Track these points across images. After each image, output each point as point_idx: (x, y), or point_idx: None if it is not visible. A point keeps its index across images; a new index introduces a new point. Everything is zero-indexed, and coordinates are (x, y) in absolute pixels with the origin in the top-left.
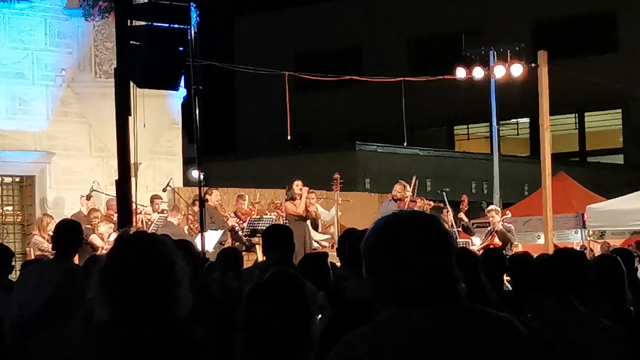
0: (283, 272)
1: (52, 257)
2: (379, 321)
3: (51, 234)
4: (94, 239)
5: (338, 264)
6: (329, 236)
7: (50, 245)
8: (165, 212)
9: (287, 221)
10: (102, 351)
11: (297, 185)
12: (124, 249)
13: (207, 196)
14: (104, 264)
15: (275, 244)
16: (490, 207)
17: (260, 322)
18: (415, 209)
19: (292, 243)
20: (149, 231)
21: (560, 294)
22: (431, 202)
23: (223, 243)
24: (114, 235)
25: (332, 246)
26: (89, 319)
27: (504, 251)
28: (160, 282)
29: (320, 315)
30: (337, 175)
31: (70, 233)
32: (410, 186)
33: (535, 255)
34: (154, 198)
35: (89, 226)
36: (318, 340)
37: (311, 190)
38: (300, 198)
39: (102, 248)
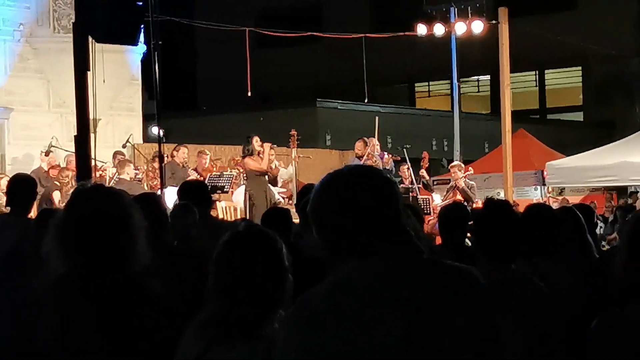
0: (258, 227)
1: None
2: (336, 276)
3: (4, 189)
4: (55, 195)
5: (296, 220)
6: (285, 189)
7: (4, 200)
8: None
9: (246, 177)
10: (58, 304)
11: (257, 141)
12: (81, 201)
13: (174, 152)
14: (60, 216)
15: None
16: (453, 163)
17: (234, 273)
18: (384, 160)
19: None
20: None
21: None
22: (397, 157)
23: None
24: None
25: (290, 199)
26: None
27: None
28: (116, 235)
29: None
30: (294, 132)
31: (23, 187)
32: (369, 140)
33: None
34: (116, 154)
35: (56, 183)
36: (290, 296)
37: (272, 146)
38: (260, 154)
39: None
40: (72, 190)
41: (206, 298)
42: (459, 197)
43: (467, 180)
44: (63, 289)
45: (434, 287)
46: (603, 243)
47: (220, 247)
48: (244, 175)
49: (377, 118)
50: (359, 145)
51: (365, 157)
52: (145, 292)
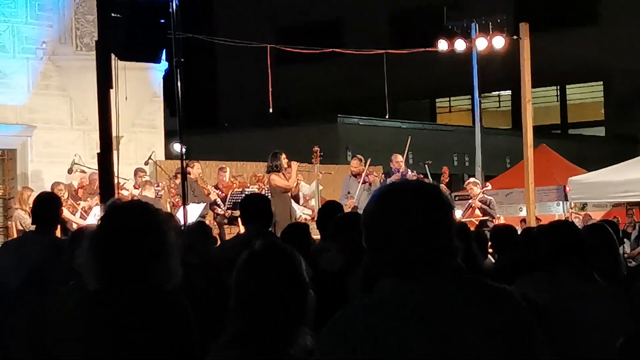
0: (276, 243)
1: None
2: (375, 294)
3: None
4: (65, 212)
5: (318, 236)
6: (310, 211)
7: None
8: (139, 188)
9: (270, 193)
10: (93, 320)
11: (284, 158)
12: (116, 216)
13: (189, 169)
14: (95, 230)
15: (255, 215)
16: (469, 180)
17: (255, 293)
18: (409, 178)
19: (271, 213)
20: None
21: (555, 267)
22: (421, 175)
23: (204, 216)
24: (97, 209)
25: (313, 219)
26: (80, 288)
27: (486, 226)
28: (150, 251)
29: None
30: (317, 148)
31: (47, 206)
32: (396, 159)
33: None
34: (137, 171)
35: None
36: (312, 313)
37: (300, 164)
38: (288, 171)
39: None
40: (96, 209)
41: (228, 318)
42: (477, 213)
43: (485, 196)
44: (95, 303)
45: (470, 312)
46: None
47: (239, 266)
48: (268, 192)
49: (409, 137)
50: (354, 162)
51: (363, 175)
52: (178, 308)
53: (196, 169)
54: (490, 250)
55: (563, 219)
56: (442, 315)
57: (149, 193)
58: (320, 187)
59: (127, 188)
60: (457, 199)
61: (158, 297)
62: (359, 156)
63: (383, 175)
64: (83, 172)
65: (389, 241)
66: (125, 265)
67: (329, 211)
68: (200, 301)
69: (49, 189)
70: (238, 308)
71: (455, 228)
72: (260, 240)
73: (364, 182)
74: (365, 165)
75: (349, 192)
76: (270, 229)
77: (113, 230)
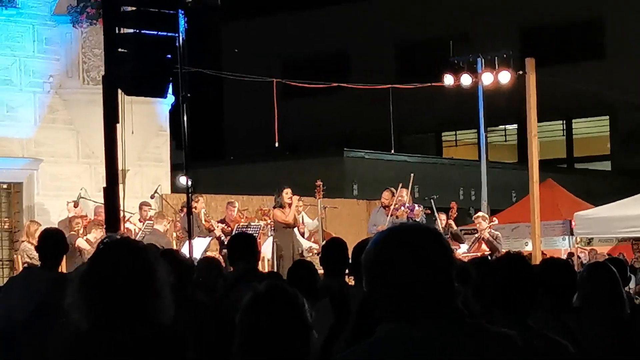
0: (279, 285)
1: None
2: (376, 336)
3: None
4: (81, 243)
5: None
6: (317, 245)
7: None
8: (151, 219)
9: (274, 228)
10: None
11: (287, 193)
12: (105, 256)
13: (194, 203)
14: (85, 270)
15: (239, 255)
16: (478, 214)
17: (259, 335)
18: (415, 213)
19: (255, 252)
20: (137, 239)
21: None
22: (428, 210)
23: (207, 251)
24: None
25: (318, 254)
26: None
27: (490, 258)
28: (140, 291)
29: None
30: (319, 183)
31: (53, 242)
32: (398, 191)
33: None
34: (142, 205)
35: (73, 233)
36: (317, 354)
37: (300, 199)
38: (289, 207)
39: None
40: (96, 243)
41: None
42: (484, 247)
43: (492, 230)
44: (86, 345)
45: (475, 355)
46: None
47: (243, 307)
48: (272, 226)
49: (413, 175)
50: (386, 194)
51: (393, 207)
52: (171, 345)
53: (200, 204)
54: None
55: (568, 253)
56: (445, 358)
57: (160, 227)
58: (323, 220)
59: (132, 222)
60: (463, 233)
61: (149, 336)
62: (391, 189)
63: (409, 209)
64: (78, 203)
65: (387, 286)
66: (115, 304)
67: (333, 248)
68: (206, 339)
69: (55, 222)
70: (242, 349)
71: (455, 270)
72: (266, 281)
73: (391, 215)
74: (396, 198)
75: (374, 225)
76: (257, 266)
77: (102, 270)
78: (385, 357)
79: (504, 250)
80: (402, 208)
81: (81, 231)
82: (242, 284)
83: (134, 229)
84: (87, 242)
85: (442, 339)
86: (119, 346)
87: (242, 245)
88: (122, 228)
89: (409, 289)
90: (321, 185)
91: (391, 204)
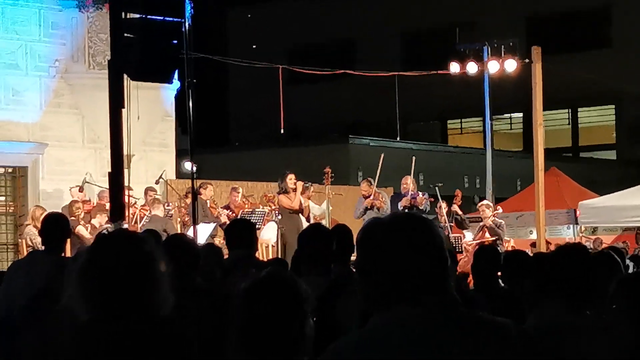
0: (278, 272)
1: (41, 250)
2: (367, 328)
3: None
4: (81, 230)
5: None
6: None
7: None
8: (146, 207)
9: (279, 214)
10: (85, 352)
11: (291, 179)
12: (103, 248)
13: (202, 190)
14: (82, 263)
15: (236, 242)
16: (482, 202)
17: (255, 323)
18: (418, 200)
19: (253, 239)
20: (139, 227)
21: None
22: (432, 198)
23: (214, 236)
24: (107, 227)
25: None
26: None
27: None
28: (138, 282)
29: (315, 318)
30: (328, 169)
31: (56, 226)
32: (406, 181)
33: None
34: (148, 190)
35: (73, 218)
36: (311, 342)
37: (305, 185)
38: (294, 192)
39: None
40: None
41: (228, 348)
42: (487, 235)
43: (496, 218)
44: (86, 336)
45: (465, 344)
46: None
47: (240, 295)
48: (277, 212)
49: (414, 158)
50: (363, 185)
51: (372, 197)
52: (172, 335)
53: (209, 191)
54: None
55: (573, 242)
56: (432, 350)
57: (159, 212)
58: (330, 208)
59: (137, 207)
60: (468, 221)
61: (149, 327)
62: (368, 179)
63: (412, 197)
64: (82, 188)
65: (378, 276)
66: (114, 295)
67: (339, 234)
68: (206, 328)
69: (60, 207)
70: (238, 338)
71: (447, 261)
72: (268, 269)
73: (371, 207)
74: (373, 188)
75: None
76: (254, 253)
77: (100, 263)
78: (374, 349)
79: (507, 239)
80: (406, 196)
81: (82, 216)
82: (238, 270)
83: (137, 216)
84: (91, 226)
85: (433, 329)
86: (118, 337)
87: (238, 232)
88: (126, 212)
89: (398, 280)
90: (330, 172)
91: (370, 194)
